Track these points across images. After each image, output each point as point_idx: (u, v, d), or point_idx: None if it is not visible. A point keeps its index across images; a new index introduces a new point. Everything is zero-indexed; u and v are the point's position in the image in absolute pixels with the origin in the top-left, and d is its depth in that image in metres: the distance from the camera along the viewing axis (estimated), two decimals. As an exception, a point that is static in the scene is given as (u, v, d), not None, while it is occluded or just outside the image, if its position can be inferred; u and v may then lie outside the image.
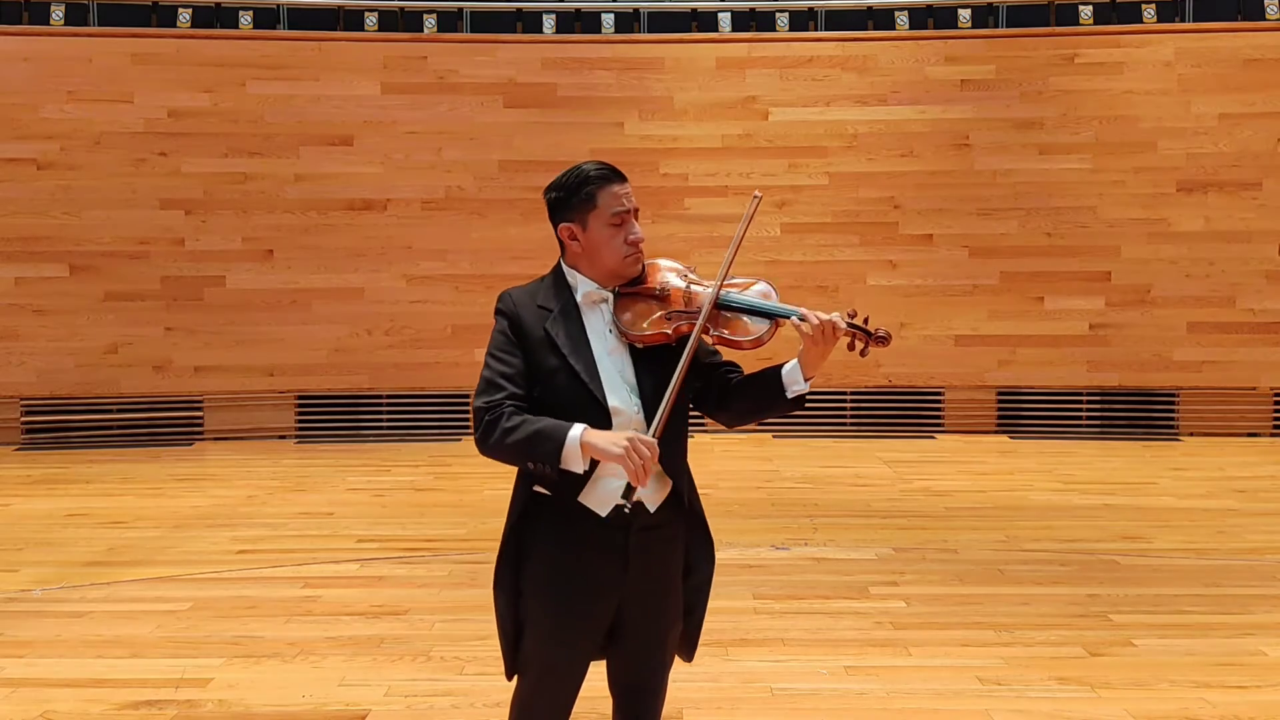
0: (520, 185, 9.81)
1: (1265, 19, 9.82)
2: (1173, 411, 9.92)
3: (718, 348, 2.68)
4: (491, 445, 2.47)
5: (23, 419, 9.62)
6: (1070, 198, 9.91)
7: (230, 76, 9.73)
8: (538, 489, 2.59)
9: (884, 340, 2.53)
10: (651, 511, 2.59)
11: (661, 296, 2.59)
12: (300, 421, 9.92)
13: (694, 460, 2.73)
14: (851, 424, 10.03)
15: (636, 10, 10.29)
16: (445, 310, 9.97)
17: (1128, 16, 10.00)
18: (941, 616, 5.08)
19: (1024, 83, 9.94)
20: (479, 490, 7.71)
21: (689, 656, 2.77)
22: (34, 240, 9.58)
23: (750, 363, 2.62)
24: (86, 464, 8.80)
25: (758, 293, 2.59)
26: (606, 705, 2.76)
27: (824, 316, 2.49)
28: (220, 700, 4.18)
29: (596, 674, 2.73)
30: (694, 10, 10.29)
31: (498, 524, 2.67)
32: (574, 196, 2.59)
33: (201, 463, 8.97)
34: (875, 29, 10.16)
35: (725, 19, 10.21)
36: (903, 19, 10.13)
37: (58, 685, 4.32)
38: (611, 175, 2.59)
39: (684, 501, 2.65)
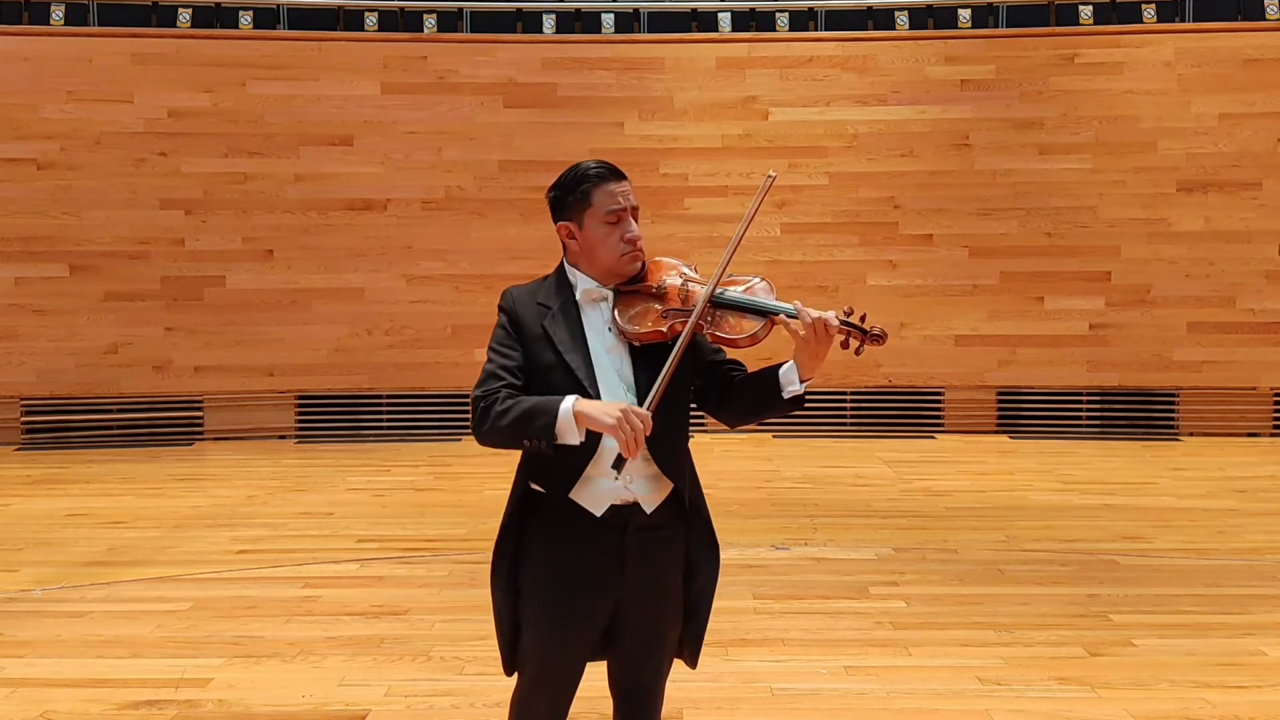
0: (520, 185, 9.82)
1: (1265, 19, 9.82)
2: (1173, 411, 9.92)
3: (719, 346, 2.68)
4: (487, 430, 2.48)
5: (23, 419, 9.62)
6: (1070, 198, 9.91)
7: (230, 76, 9.73)
8: (535, 486, 2.59)
9: (879, 338, 2.50)
10: (648, 513, 2.58)
11: (659, 295, 2.59)
12: (300, 421, 9.92)
13: (694, 460, 2.72)
14: (851, 424, 10.03)
15: (636, 10, 10.29)
16: (445, 310, 9.97)
17: (1128, 16, 10.00)
18: (941, 616, 5.08)
19: (1024, 83, 9.94)
20: (479, 490, 7.71)
21: (693, 662, 2.75)
22: (34, 240, 9.58)
23: (752, 360, 2.61)
24: (86, 464, 8.80)
25: (755, 290, 2.58)
26: (606, 705, 2.76)
27: (816, 314, 2.47)
28: (220, 700, 4.18)
29: (597, 674, 2.73)
30: (694, 10, 10.29)
31: (497, 524, 2.67)
32: (570, 195, 2.60)
33: (201, 463, 8.97)
34: (875, 29, 10.16)
35: (725, 19, 10.21)
36: (903, 19, 10.13)
37: (58, 685, 4.32)
38: (608, 174, 2.60)
39: (684, 503, 2.64)
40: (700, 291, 2.54)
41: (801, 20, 10.25)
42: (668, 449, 2.58)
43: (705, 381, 2.67)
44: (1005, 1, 10.15)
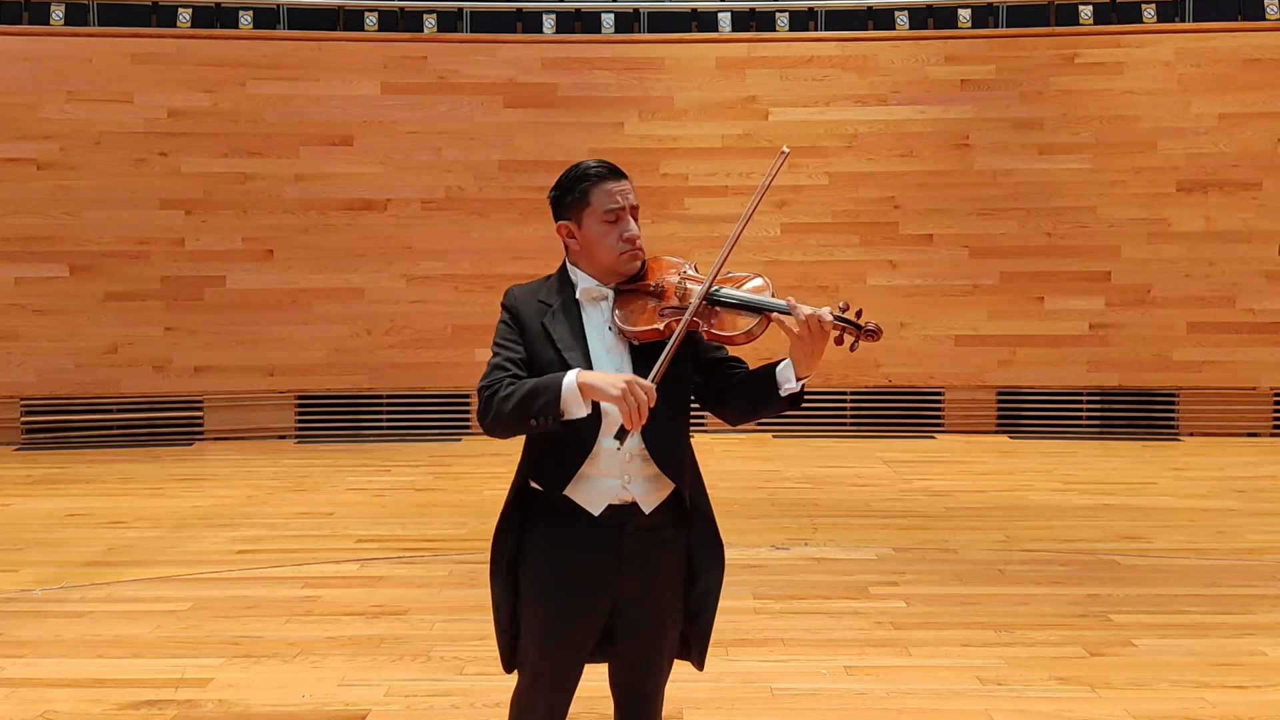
0: (520, 185, 9.82)
1: (1265, 19, 9.82)
2: (1173, 411, 9.92)
3: (719, 344, 2.67)
4: (493, 417, 2.47)
5: (23, 419, 9.62)
6: (1070, 198, 9.91)
7: (230, 76, 9.73)
8: (534, 485, 2.60)
9: (874, 334, 2.47)
10: (647, 513, 2.58)
11: (657, 293, 2.59)
12: (300, 421, 9.92)
13: (696, 459, 2.72)
14: (851, 424, 10.03)
15: (636, 10, 10.29)
16: (445, 310, 9.97)
17: (1128, 16, 10.00)
18: (941, 616, 5.08)
19: (1024, 83, 9.94)
20: (479, 490, 7.71)
21: (700, 664, 2.74)
22: (34, 240, 9.58)
23: (753, 358, 2.60)
24: (86, 464, 8.80)
25: (752, 287, 2.57)
26: (606, 705, 2.77)
27: (810, 310, 2.45)
28: (220, 700, 4.18)
29: (597, 674, 2.73)
30: (694, 10, 10.29)
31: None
32: (569, 195, 2.61)
33: (201, 463, 8.97)
34: (875, 29, 10.15)
35: (725, 19, 10.21)
36: (903, 19, 10.13)
37: (58, 685, 4.32)
38: (607, 173, 2.60)
39: (686, 503, 2.63)
40: (697, 289, 2.54)
41: (801, 20, 10.25)
42: (668, 447, 2.57)
43: (705, 380, 2.66)
44: (1005, 1, 10.15)
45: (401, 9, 10.15)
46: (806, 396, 2.56)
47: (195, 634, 4.88)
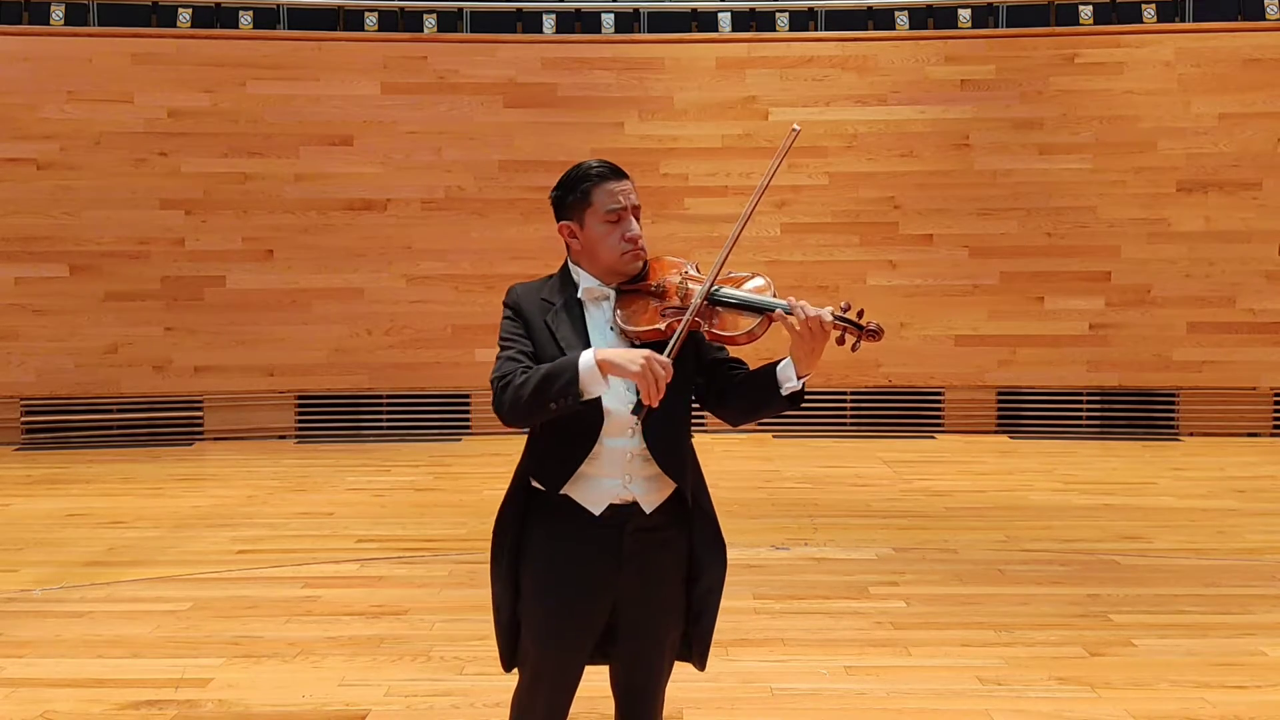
0: (520, 185, 9.82)
1: (1265, 19, 9.82)
2: (1173, 411, 9.92)
3: (720, 344, 2.67)
4: (509, 405, 2.46)
5: (23, 419, 9.62)
6: (1070, 198, 9.91)
7: (230, 76, 9.73)
8: (535, 484, 2.60)
9: (875, 334, 2.48)
10: (648, 513, 2.58)
11: (658, 293, 2.59)
12: (300, 421, 9.92)
13: (698, 459, 2.72)
14: (851, 424, 10.03)
15: (636, 10, 10.29)
16: (445, 310, 9.96)
17: (1128, 16, 10.00)
18: (941, 616, 5.08)
19: (1024, 83, 9.94)
20: (479, 490, 7.71)
21: (701, 664, 2.74)
22: (34, 240, 9.58)
23: (754, 358, 2.60)
24: (86, 464, 8.80)
25: (753, 287, 2.57)
26: (607, 705, 2.77)
27: (811, 311, 2.45)
28: (220, 700, 4.18)
29: (598, 674, 2.73)
30: (694, 10, 10.29)
31: (497, 523, 2.67)
32: (571, 194, 2.61)
33: (201, 463, 8.97)
34: (875, 29, 10.15)
35: (725, 19, 10.21)
36: (903, 19, 10.13)
37: (58, 685, 4.32)
38: (609, 173, 2.60)
39: (687, 503, 2.63)
40: (698, 289, 2.54)
41: (801, 20, 10.25)
42: (669, 447, 2.57)
43: (706, 380, 2.66)
44: (1005, 1, 10.15)
45: (401, 9, 10.15)
46: (806, 396, 2.56)
47: (195, 634, 4.88)
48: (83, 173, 9.60)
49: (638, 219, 2.62)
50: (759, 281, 2.59)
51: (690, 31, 10.25)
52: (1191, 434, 9.80)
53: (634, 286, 2.61)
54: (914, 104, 9.99)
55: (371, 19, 10.08)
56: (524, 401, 2.43)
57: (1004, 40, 10.02)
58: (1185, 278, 9.88)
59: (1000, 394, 10.03)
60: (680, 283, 2.58)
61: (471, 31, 10.21)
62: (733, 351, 2.67)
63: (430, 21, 10.13)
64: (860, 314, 2.50)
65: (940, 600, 5.32)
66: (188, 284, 9.76)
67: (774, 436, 9.74)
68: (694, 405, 2.69)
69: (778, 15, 10.19)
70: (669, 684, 2.75)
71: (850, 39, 10.09)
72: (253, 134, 9.77)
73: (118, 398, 9.70)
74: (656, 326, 2.54)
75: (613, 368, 2.38)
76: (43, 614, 5.17)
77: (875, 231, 10.03)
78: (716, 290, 2.54)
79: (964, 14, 10.12)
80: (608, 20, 10.19)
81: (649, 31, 10.26)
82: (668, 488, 2.60)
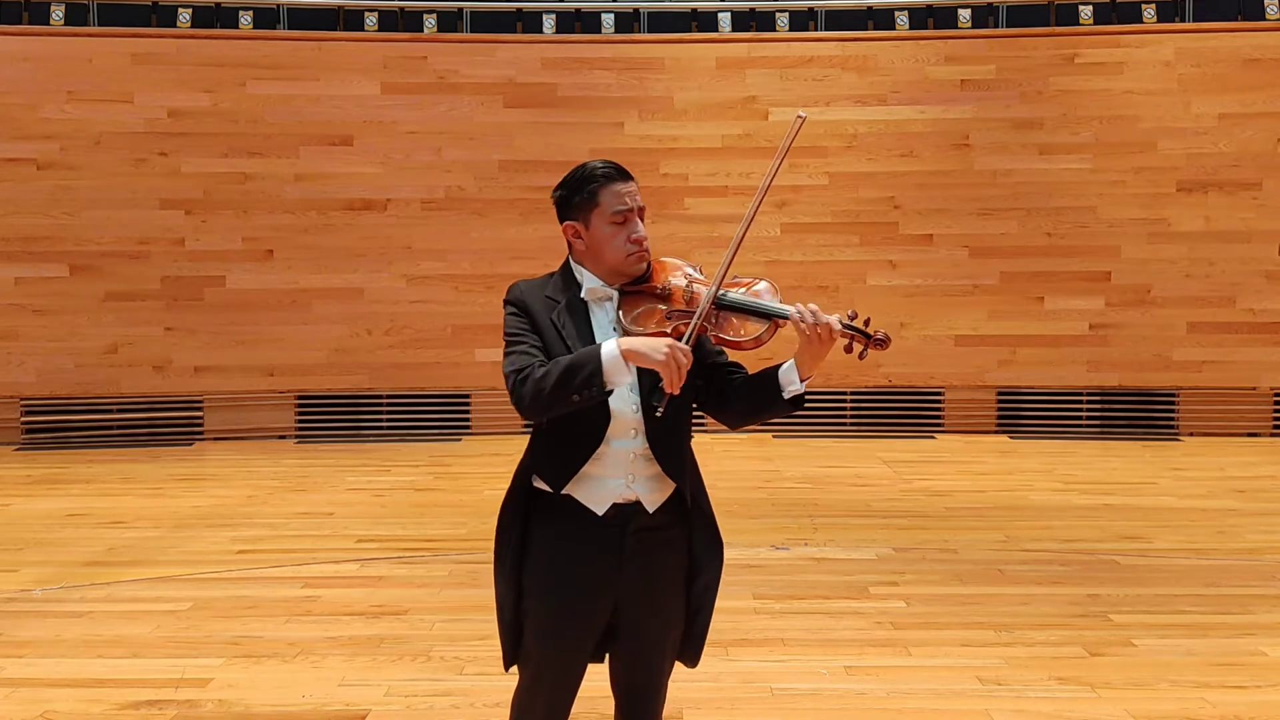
0: (520, 185, 9.82)
1: (1265, 19, 9.82)
2: (1173, 411, 9.92)
3: (721, 348, 2.68)
4: (531, 397, 2.44)
5: (23, 419, 9.62)
6: (1070, 198, 9.91)
7: (230, 76, 9.73)
8: (537, 484, 2.60)
9: (882, 343, 2.50)
10: (650, 512, 2.59)
11: (663, 296, 2.59)
12: (300, 421, 9.92)
13: (696, 460, 2.72)
14: (851, 424, 10.03)
15: (636, 10, 10.29)
16: (445, 310, 9.96)
17: (1128, 16, 9.99)
18: (941, 616, 5.08)
19: (1024, 83, 9.94)
20: (479, 490, 7.71)
21: (693, 662, 2.75)
22: (34, 240, 9.58)
23: (753, 363, 2.61)
24: (86, 464, 8.80)
25: (757, 292, 2.58)
26: (607, 705, 2.77)
27: (821, 318, 2.47)
28: (220, 700, 4.18)
29: (598, 674, 2.73)
30: (694, 10, 10.29)
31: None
32: (577, 195, 2.60)
33: (201, 463, 8.97)
34: (875, 29, 10.15)
35: (725, 19, 10.21)
36: (903, 19, 10.13)
37: (58, 685, 4.32)
38: (615, 174, 2.60)
39: (686, 503, 2.64)
40: (704, 293, 2.54)
41: (801, 20, 10.25)
42: (670, 448, 2.59)
43: (706, 383, 2.67)
44: (1005, 1, 10.15)
45: (401, 9, 10.15)
46: (807, 396, 2.58)
47: (195, 634, 4.88)
48: (83, 173, 9.60)
49: (642, 220, 2.62)
50: (763, 285, 2.60)
51: (690, 31, 10.25)
52: (1191, 434, 9.80)
53: (638, 288, 2.61)
54: (914, 104, 9.99)
55: (371, 19, 10.08)
56: (546, 393, 2.42)
57: (1004, 40, 10.02)
58: (1185, 278, 9.88)
59: (1000, 394, 10.03)
60: (686, 286, 2.58)
61: (471, 31, 10.20)
62: (738, 356, 2.68)
63: (430, 21, 10.13)
64: (867, 322, 2.52)
65: (940, 600, 5.32)
66: (188, 284, 9.76)
67: (774, 436, 9.74)
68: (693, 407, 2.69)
69: (778, 15, 10.19)
70: (669, 684, 2.75)
71: (850, 39, 10.09)
72: (253, 134, 9.77)
73: (118, 398, 9.70)
74: (663, 329, 2.54)
75: (637, 356, 2.39)
76: (43, 614, 5.17)
77: (875, 231, 10.03)
78: (724, 294, 2.54)
79: (964, 14, 10.12)
80: (608, 20, 10.19)
81: (649, 31, 10.26)
82: (668, 487, 2.61)
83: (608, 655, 2.69)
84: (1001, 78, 9.95)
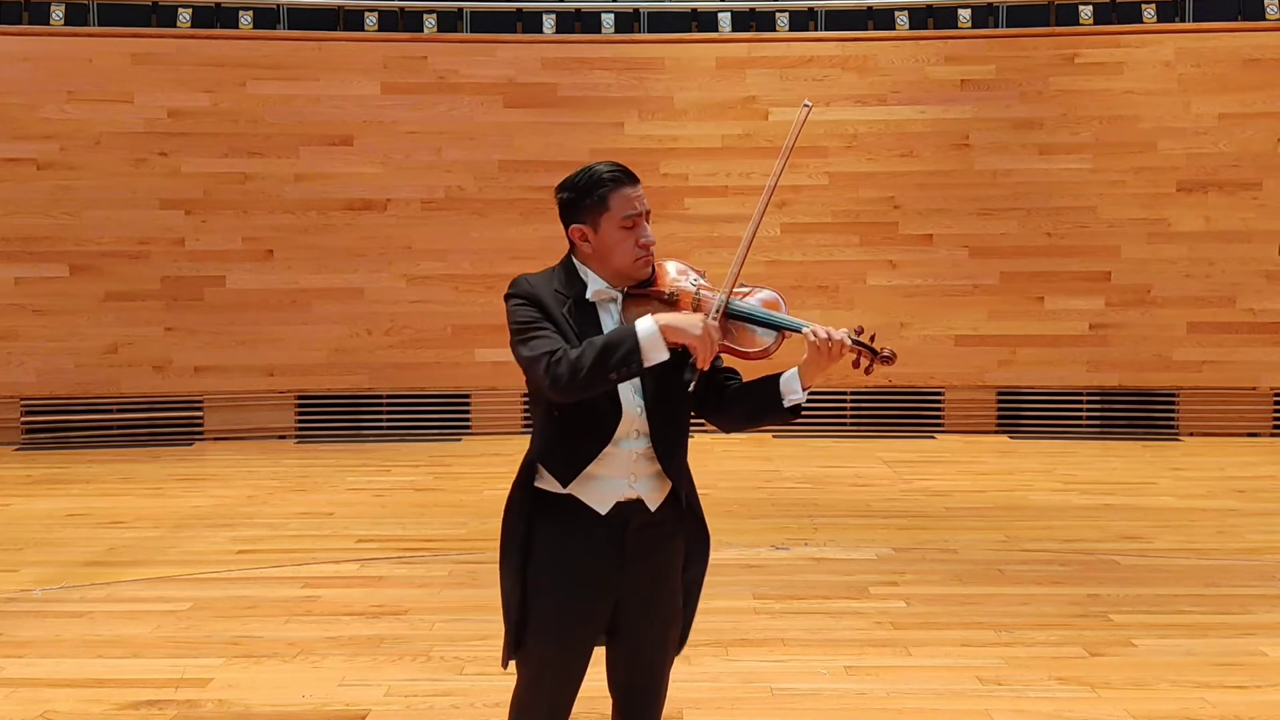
0: (520, 185, 9.82)
1: (1265, 19, 9.81)
2: (1173, 411, 9.92)
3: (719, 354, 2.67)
4: (569, 377, 2.41)
5: (23, 419, 9.62)
6: (1070, 198, 9.91)
7: (230, 76, 9.73)
8: (540, 484, 2.61)
9: (889, 360, 2.53)
10: (652, 510, 2.61)
11: (670, 301, 2.59)
12: (300, 421, 9.92)
13: (694, 460, 2.75)
14: (851, 424, 10.03)
15: (636, 10, 10.29)
16: (445, 310, 9.96)
17: (1128, 16, 9.99)
18: (941, 616, 5.08)
19: (1024, 83, 9.93)
20: (479, 490, 7.71)
21: (678, 648, 2.77)
22: (34, 240, 9.58)
23: (752, 371, 2.61)
24: (86, 464, 8.80)
25: (764, 301, 2.59)
26: (606, 705, 2.76)
27: (835, 335, 2.50)
28: (220, 700, 4.18)
29: (598, 674, 2.73)
30: (694, 10, 10.29)
31: (498, 524, 2.67)
32: (586, 198, 2.58)
33: (201, 463, 8.97)
34: (875, 29, 10.15)
35: (725, 19, 10.21)
36: (903, 19, 10.13)
37: (58, 685, 4.32)
38: (624, 177, 2.59)
39: (682, 502, 2.67)
40: (713, 300, 2.54)
41: (801, 20, 10.24)
42: (672, 449, 2.61)
43: (704, 387, 2.66)
44: (1005, 1, 10.15)
45: (401, 9, 10.15)
46: (804, 405, 2.61)
47: (195, 634, 4.88)
48: (83, 173, 9.60)
49: (648, 223, 2.62)
50: (769, 295, 2.60)
51: (690, 31, 10.25)
52: (1191, 434, 9.80)
53: (643, 291, 2.61)
54: (914, 104, 9.99)
55: (371, 19, 10.08)
56: (585, 373, 2.40)
57: (1004, 40, 10.02)
58: (1185, 278, 9.88)
59: (1000, 394, 10.03)
60: (694, 292, 2.58)
61: (471, 31, 10.20)
62: (740, 365, 2.68)
63: (430, 21, 10.13)
64: (873, 338, 2.55)
65: (940, 600, 5.32)
66: (188, 284, 9.76)
67: (774, 437, 9.74)
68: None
69: (778, 15, 10.19)
70: (669, 684, 2.76)
71: (850, 39, 10.09)
72: (253, 134, 9.77)
73: (118, 398, 9.70)
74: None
75: (675, 332, 2.41)
76: (43, 614, 5.17)
77: (875, 231, 10.03)
78: (735, 305, 2.54)
79: (964, 14, 10.12)
80: (608, 20, 10.19)
81: (649, 31, 10.26)
82: (666, 486, 2.63)
83: (606, 655, 2.70)
84: (1001, 78, 9.95)
